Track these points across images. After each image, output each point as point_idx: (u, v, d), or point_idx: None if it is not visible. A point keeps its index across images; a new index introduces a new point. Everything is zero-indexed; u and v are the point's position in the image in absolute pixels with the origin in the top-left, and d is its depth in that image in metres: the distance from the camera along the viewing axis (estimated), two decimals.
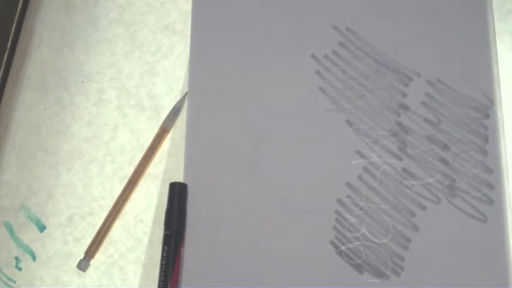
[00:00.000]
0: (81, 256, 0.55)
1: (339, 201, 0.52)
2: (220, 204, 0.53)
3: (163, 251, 0.52)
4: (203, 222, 0.53)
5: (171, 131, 0.58)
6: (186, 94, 0.58)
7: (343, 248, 0.51)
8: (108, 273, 0.55)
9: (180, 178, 0.54)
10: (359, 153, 0.53)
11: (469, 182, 0.52)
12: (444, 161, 0.52)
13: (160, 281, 0.51)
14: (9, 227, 0.57)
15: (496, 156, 0.52)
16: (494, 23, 0.55)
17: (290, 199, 0.52)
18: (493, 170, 0.52)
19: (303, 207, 0.52)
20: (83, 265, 0.55)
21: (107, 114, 0.59)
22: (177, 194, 0.54)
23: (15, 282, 0.55)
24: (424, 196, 0.52)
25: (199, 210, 0.53)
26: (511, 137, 0.54)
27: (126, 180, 0.57)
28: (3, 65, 0.60)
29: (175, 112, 0.58)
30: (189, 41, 0.58)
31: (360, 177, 0.53)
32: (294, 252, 0.51)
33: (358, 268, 0.51)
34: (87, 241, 0.56)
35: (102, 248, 0.56)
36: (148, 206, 0.56)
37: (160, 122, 0.58)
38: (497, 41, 0.55)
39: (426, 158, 0.53)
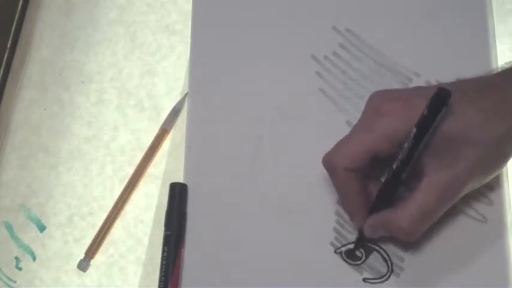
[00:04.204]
0: (81, 256, 0.56)
1: (339, 202, 0.52)
2: (220, 204, 0.53)
3: (163, 251, 0.52)
4: (203, 222, 0.53)
5: (171, 131, 0.58)
6: (186, 94, 0.58)
7: (343, 249, 0.51)
8: (108, 274, 0.55)
9: (180, 178, 0.54)
10: None
11: None
12: None
13: (160, 282, 0.51)
14: (9, 227, 0.57)
15: None
16: (494, 23, 0.55)
17: (290, 200, 0.52)
18: None
19: (303, 208, 0.52)
20: (83, 265, 0.55)
21: (107, 115, 0.59)
22: (177, 195, 0.53)
23: (15, 282, 0.56)
24: None
25: (199, 211, 0.53)
26: None
27: (126, 181, 0.57)
28: (3, 65, 0.60)
29: (175, 112, 0.58)
30: (189, 41, 0.58)
31: None
32: (294, 252, 0.51)
33: (358, 269, 0.51)
34: (87, 241, 0.56)
35: (102, 248, 0.56)
36: (148, 206, 0.56)
37: (161, 122, 0.58)
38: (497, 42, 0.55)
39: None
